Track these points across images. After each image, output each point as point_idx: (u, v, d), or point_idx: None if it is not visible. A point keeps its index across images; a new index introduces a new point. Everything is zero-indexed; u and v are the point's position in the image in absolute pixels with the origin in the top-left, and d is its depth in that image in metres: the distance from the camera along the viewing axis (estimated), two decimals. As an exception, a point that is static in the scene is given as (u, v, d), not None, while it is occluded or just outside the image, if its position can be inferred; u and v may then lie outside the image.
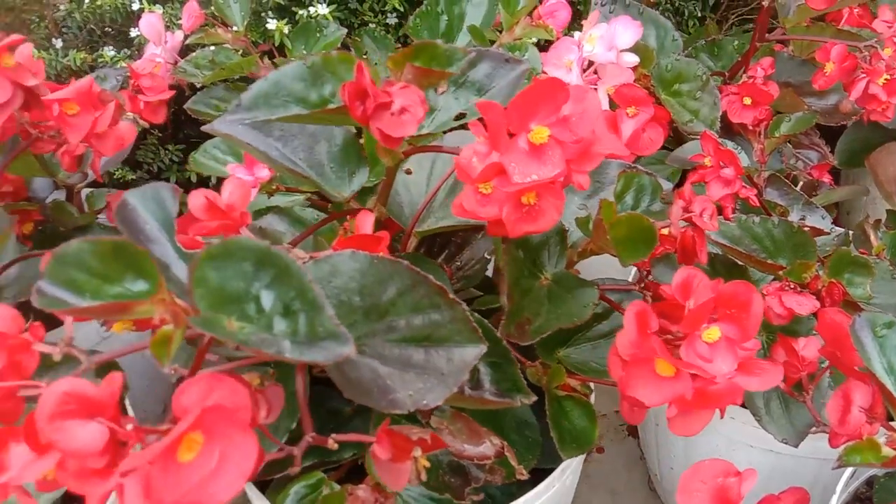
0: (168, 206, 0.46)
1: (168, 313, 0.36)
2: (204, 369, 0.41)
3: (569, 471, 0.66)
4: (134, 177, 1.12)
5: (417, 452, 0.39)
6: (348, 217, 0.70)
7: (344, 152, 0.59)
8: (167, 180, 1.15)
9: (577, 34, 0.73)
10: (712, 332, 0.47)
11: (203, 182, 1.15)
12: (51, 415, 0.32)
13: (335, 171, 0.59)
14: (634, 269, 0.83)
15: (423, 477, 0.41)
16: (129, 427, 0.32)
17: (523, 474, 0.51)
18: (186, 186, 1.16)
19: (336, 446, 0.41)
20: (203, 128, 0.58)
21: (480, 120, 0.48)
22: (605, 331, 0.64)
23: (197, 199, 0.50)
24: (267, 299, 0.37)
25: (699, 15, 1.25)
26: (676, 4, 1.22)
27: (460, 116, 0.55)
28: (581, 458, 0.68)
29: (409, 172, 0.66)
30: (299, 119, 0.50)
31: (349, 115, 0.48)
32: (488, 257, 0.72)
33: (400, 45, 0.96)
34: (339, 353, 0.34)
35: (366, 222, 0.51)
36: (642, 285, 0.64)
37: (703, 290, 0.48)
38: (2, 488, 0.38)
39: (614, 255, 0.56)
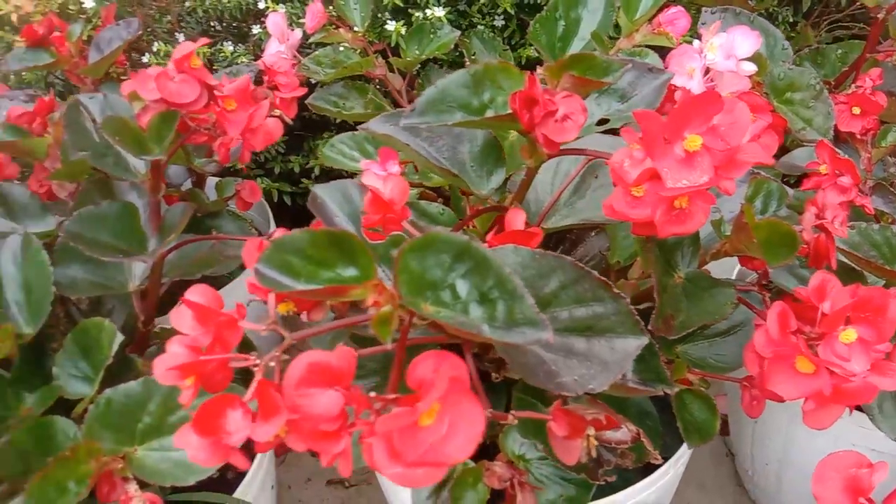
0: (355, 200, 0.50)
1: (381, 296, 0.41)
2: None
3: (681, 460, 0.69)
4: (241, 166, 1.18)
5: (591, 431, 0.43)
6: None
7: (484, 152, 0.63)
8: (272, 170, 1.21)
9: (695, 42, 0.76)
10: (849, 334, 0.50)
11: (305, 173, 1.21)
12: (298, 382, 0.36)
13: (475, 169, 0.63)
14: (737, 268, 0.86)
15: (594, 454, 0.45)
16: (372, 394, 0.36)
17: (658, 458, 0.55)
18: (289, 176, 1.22)
19: (515, 421, 0.45)
20: (359, 127, 0.62)
21: (631, 126, 0.52)
22: (722, 329, 0.67)
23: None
24: (462, 288, 0.41)
25: (791, 20, 1.26)
26: (770, 10, 1.23)
27: (602, 122, 0.59)
28: (690, 449, 0.71)
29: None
30: (467, 125, 0.54)
31: (515, 121, 0.52)
32: (604, 254, 0.75)
33: (508, 48, 1.00)
34: (539, 338, 0.38)
35: (517, 219, 0.55)
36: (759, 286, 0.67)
37: (841, 294, 0.51)
38: (223, 449, 0.43)
39: (749, 257, 0.59)
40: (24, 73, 1.06)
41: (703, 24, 0.89)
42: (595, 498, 0.62)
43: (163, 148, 0.57)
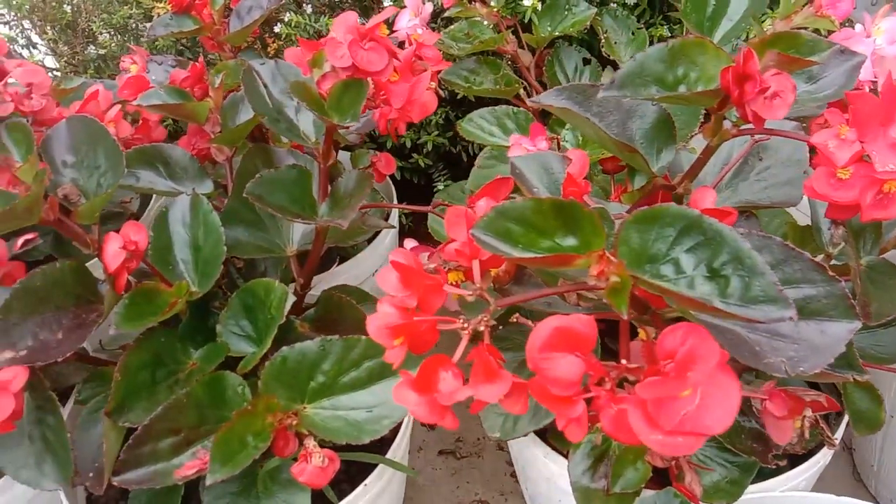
0: (555, 172, 0.51)
1: (609, 267, 0.41)
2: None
3: (831, 451, 0.68)
4: (357, 140, 1.19)
5: (808, 412, 0.43)
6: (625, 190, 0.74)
7: (655, 130, 0.62)
8: (383, 145, 1.22)
9: (857, 26, 0.74)
10: None
11: (416, 149, 1.22)
12: (542, 346, 0.37)
13: (644, 146, 0.62)
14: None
15: (808, 436, 0.44)
16: (623, 362, 0.37)
17: (834, 444, 0.54)
18: (399, 151, 1.23)
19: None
20: (530, 101, 0.62)
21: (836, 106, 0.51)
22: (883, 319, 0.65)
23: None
24: (687, 262, 0.41)
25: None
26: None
27: (788, 103, 0.58)
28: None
29: (693, 152, 0.69)
30: (665, 100, 0.53)
31: (712, 98, 0.51)
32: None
33: (641, 26, 0.99)
34: (780, 316, 0.38)
35: (707, 197, 0.55)
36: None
37: None
38: (439, 408, 0.43)
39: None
40: (157, 41, 1.09)
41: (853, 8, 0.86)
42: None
43: (350, 114, 0.58)
